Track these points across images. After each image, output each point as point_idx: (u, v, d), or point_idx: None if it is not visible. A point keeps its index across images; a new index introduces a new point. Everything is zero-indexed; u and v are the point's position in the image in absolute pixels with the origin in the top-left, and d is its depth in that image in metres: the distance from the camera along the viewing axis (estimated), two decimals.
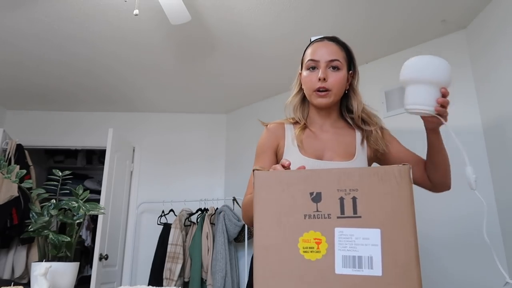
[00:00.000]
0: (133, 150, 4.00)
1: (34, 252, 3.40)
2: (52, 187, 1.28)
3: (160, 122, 4.14)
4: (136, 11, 2.01)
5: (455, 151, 2.38)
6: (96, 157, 4.99)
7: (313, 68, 1.18)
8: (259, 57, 3.00)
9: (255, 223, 0.61)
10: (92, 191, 4.12)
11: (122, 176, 3.69)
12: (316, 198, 0.60)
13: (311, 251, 0.58)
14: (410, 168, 0.59)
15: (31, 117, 4.07)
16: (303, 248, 0.59)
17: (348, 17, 2.48)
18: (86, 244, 4.45)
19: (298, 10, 2.42)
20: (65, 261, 1.11)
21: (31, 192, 1.23)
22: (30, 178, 3.41)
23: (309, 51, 1.22)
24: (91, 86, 3.55)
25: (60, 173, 1.29)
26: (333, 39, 1.23)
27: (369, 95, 3.00)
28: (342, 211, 0.59)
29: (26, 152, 3.58)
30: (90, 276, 3.13)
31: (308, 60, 1.19)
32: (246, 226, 3.37)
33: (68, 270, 1.08)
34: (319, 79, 1.15)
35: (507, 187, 2.14)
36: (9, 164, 3.12)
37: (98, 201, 3.18)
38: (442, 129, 1.14)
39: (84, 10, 2.43)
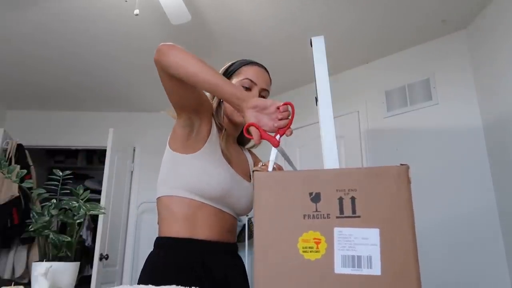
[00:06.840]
0: (134, 150, 4.00)
1: (35, 252, 3.41)
2: (53, 187, 1.28)
3: (161, 122, 4.12)
4: (136, 11, 2.01)
5: (455, 152, 2.39)
6: (96, 157, 4.99)
7: (248, 88, 1.20)
8: (260, 57, 2.99)
9: (255, 223, 0.62)
10: (93, 191, 4.08)
11: (123, 176, 3.69)
12: (315, 198, 0.61)
13: (310, 251, 0.59)
14: (408, 168, 0.59)
15: (32, 117, 4.07)
16: (303, 248, 0.59)
17: (348, 17, 2.48)
18: (86, 244, 4.45)
19: (300, 9, 2.42)
20: (66, 261, 1.11)
21: (32, 192, 1.24)
22: (30, 178, 3.41)
23: (249, 70, 1.24)
24: (91, 86, 3.55)
25: (61, 173, 1.29)
26: (267, 72, 1.28)
27: (369, 95, 3.02)
28: (341, 211, 0.60)
29: (26, 152, 3.58)
30: (90, 276, 3.13)
31: (247, 79, 1.21)
32: (246, 225, 3.36)
33: (68, 270, 1.08)
34: None
35: (507, 187, 2.15)
36: (10, 164, 3.13)
37: (98, 201, 3.18)
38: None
39: (84, 10, 2.43)
